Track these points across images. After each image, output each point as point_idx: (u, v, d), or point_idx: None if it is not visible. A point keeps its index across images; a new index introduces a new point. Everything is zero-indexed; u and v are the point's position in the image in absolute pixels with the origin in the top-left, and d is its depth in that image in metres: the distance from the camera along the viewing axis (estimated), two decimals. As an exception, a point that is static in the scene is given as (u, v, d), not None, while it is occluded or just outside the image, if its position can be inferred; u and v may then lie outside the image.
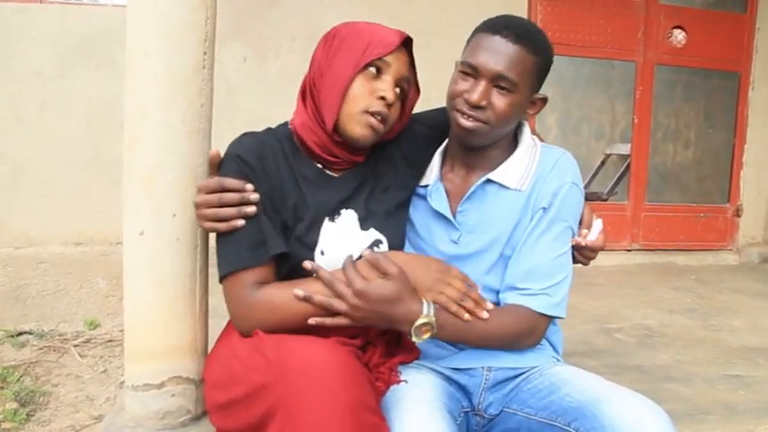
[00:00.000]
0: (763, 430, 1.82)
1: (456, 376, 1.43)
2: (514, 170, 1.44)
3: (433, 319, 1.26)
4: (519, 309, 1.37)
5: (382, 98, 1.32)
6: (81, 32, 3.42)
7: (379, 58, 1.32)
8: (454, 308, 1.29)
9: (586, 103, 4.59)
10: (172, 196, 1.42)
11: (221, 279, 1.31)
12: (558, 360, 1.50)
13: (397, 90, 1.36)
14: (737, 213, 4.82)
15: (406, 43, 1.38)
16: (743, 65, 4.72)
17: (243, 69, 3.72)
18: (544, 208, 1.41)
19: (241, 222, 1.26)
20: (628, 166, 4.70)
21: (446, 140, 1.54)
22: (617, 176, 4.86)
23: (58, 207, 3.43)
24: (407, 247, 1.51)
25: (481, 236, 1.44)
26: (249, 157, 1.31)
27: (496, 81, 1.34)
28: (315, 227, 1.35)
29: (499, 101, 1.35)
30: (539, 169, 1.44)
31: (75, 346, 2.93)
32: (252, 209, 1.26)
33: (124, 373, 1.56)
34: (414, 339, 1.28)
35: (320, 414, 1.04)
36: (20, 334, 3.03)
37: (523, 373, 1.41)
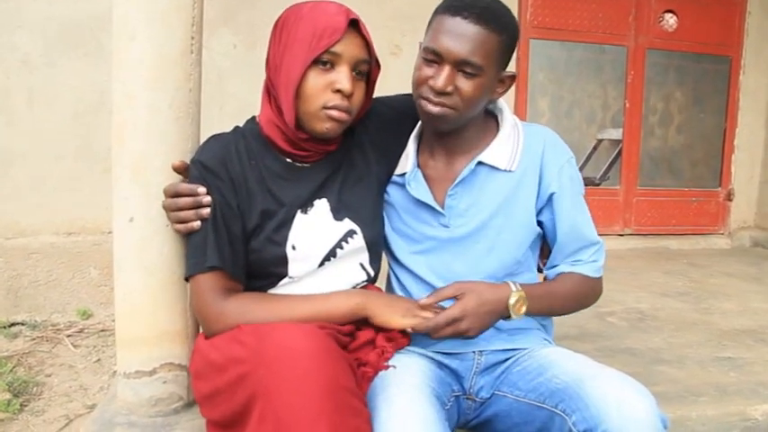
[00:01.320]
0: (753, 411, 1.83)
1: (447, 360, 1.43)
2: (502, 150, 1.43)
3: (522, 292, 1.33)
4: (576, 276, 1.45)
5: (339, 91, 1.28)
6: (68, 19, 3.38)
7: (328, 50, 1.27)
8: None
9: (578, 87, 4.58)
10: (161, 182, 1.41)
11: (186, 279, 1.35)
12: (550, 342, 1.51)
13: (356, 73, 1.32)
14: (729, 197, 4.84)
15: (355, 23, 1.31)
16: (734, 49, 4.72)
17: (233, 56, 3.69)
18: (553, 192, 1.42)
19: (197, 224, 1.29)
20: (620, 151, 4.71)
21: (417, 126, 1.51)
22: (609, 161, 4.87)
23: (48, 197, 3.40)
24: (392, 234, 1.50)
25: (473, 218, 1.43)
26: (211, 163, 1.31)
27: (461, 66, 1.31)
28: (287, 222, 1.35)
29: (465, 85, 1.32)
30: (527, 149, 1.43)
31: (68, 335, 2.93)
32: (206, 210, 1.28)
33: (116, 360, 1.55)
34: (514, 317, 1.34)
35: (299, 397, 1.04)
36: (12, 325, 3.02)
37: (514, 355, 1.42)
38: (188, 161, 1.39)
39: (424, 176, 1.47)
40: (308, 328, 1.14)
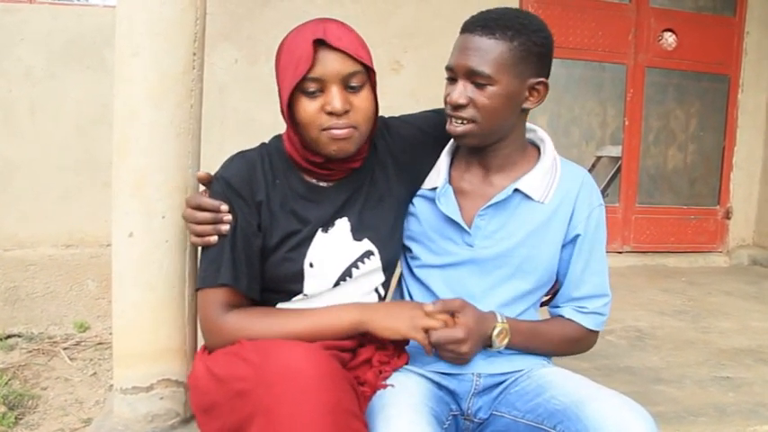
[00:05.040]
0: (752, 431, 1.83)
1: (445, 381, 1.42)
2: (540, 182, 1.43)
3: (506, 325, 1.35)
4: (572, 324, 1.47)
5: (331, 112, 1.26)
6: (71, 33, 3.40)
7: (305, 78, 1.24)
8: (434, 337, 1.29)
9: (577, 105, 4.60)
10: (161, 198, 1.41)
11: (196, 291, 1.35)
12: (548, 362, 1.50)
13: (349, 87, 1.27)
14: (727, 216, 4.84)
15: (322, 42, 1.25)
16: (733, 68, 4.74)
17: (234, 71, 3.71)
18: (578, 234, 1.44)
19: (214, 239, 1.29)
20: (619, 169, 4.71)
21: (452, 140, 1.49)
22: (608, 179, 4.87)
23: (47, 209, 3.40)
24: (415, 246, 1.49)
25: (499, 242, 1.43)
26: (235, 182, 1.31)
27: (472, 77, 1.33)
28: (307, 240, 1.35)
29: (479, 96, 1.33)
30: (562, 185, 1.44)
31: (65, 348, 2.91)
32: (225, 227, 1.28)
33: (113, 376, 1.55)
34: (495, 348, 1.36)
35: (300, 418, 1.03)
36: (9, 337, 3.01)
37: (512, 376, 1.42)
38: (187, 178, 1.39)
39: (455, 191, 1.47)
40: (312, 347, 1.14)
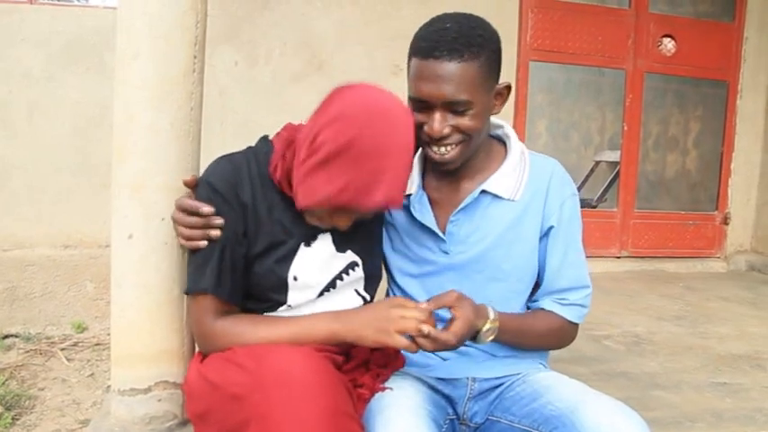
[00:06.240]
0: (749, 437, 1.83)
1: (441, 386, 1.42)
2: (508, 180, 1.41)
3: (497, 323, 1.30)
4: (555, 317, 1.44)
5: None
6: (71, 34, 3.40)
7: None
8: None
9: (576, 110, 4.62)
10: (160, 200, 1.41)
11: (186, 293, 1.34)
12: (544, 366, 1.50)
13: None
14: (725, 221, 4.85)
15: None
16: (731, 73, 4.76)
17: (234, 73, 3.72)
18: (552, 226, 1.41)
19: (203, 243, 1.26)
20: (617, 174, 4.73)
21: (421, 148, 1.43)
22: (606, 183, 4.89)
23: (46, 209, 3.40)
24: (392, 255, 1.49)
25: (473, 246, 1.41)
26: (220, 186, 1.27)
27: (450, 106, 1.29)
28: (290, 254, 1.33)
29: (461, 121, 1.30)
30: (532, 180, 1.42)
31: (63, 349, 2.91)
32: (216, 232, 1.25)
33: (111, 377, 1.55)
34: (479, 343, 1.31)
35: (298, 423, 1.03)
36: (6, 337, 3.01)
37: (508, 380, 1.42)
38: (189, 179, 1.39)
39: (429, 199, 1.44)
40: (306, 351, 1.14)
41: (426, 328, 1.18)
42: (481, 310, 1.30)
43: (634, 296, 3.74)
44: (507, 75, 4.88)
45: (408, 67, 1.36)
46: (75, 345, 2.98)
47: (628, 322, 3.09)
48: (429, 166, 1.47)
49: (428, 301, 1.27)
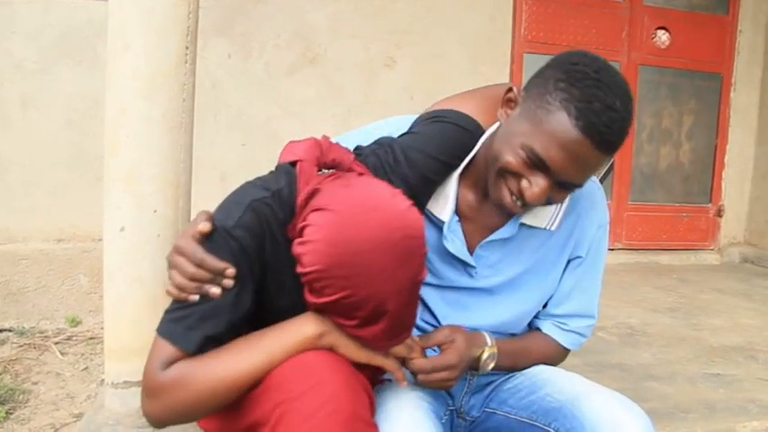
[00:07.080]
0: (742, 428, 1.84)
1: None
2: (546, 210, 1.33)
3: (495, 349, 1.30)
4: (552, 342, 1.43)
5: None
6: (63, 26, 3.38)
7: None
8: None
9: (571, 102, 4.60)
10: (153, 192, 1.41)
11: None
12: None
13: None
14: (719, 213, 4.86)
15: None
16: (725, 66, 4.76)
17: (227, 66, 3.69)
18: (580, 256, 1.38)
19: (194, 298, 1.06)
20: (611, 166, 4.73)
21: (462, 166, 1.31)
22: (600, 176, 4.89)
23: (39, 203, 3.38)
24: None
25: (502, 272, 1.36)
26: (247, 243, 1.08)
27: (564, 185, 1.17)
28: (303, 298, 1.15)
29: (557, 195, 1.20)
30: (571, 208, 1.36)
31: (56, 343, 2.90)
32: (216, 290, 1.05)
33: (104, 370, 1.54)
34: (481, 371, 1.31)
35: (316, 425, 0.97)
36: (0, 331, 3.00)
37: (504, 373, 1.42)
38: (179, 172, 1.37)
39: (460, 217, 1.34)
40: (325, 352, 1.06)
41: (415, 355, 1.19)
42: (477, 338, 1.29)
43: (628, 288, 3.75)
44: (501, 67, 4.85)
45: (544, 106, 1.14)
46: (68, 339, 2.97)
47: (622, 314, 3.10)
48: (468, 186, 1.35)
49: (420, 338, 1.24)
